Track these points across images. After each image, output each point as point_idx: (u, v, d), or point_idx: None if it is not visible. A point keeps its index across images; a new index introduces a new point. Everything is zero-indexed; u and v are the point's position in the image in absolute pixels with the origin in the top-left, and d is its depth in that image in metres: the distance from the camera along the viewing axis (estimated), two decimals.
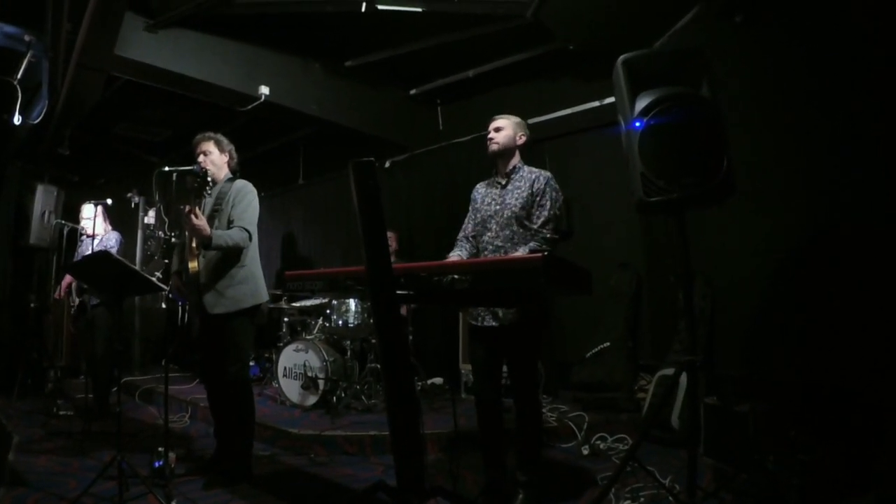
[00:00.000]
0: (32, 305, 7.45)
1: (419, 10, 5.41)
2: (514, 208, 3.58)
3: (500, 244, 3.60)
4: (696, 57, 3.17)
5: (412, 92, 7.68)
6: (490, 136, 3.75)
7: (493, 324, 3.54)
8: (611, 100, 5.20)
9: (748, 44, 4.55)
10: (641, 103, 3.09)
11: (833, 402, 3.48)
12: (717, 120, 3.01)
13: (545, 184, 3.58)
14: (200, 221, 3.86)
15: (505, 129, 3.73)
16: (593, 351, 5.81)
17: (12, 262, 8.06)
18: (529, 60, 6.49)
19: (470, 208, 3.91)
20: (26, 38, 5.66)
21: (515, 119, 3.80)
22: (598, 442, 4.82)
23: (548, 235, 3.49)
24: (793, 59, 4.21)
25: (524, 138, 3.76)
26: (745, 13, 4.48)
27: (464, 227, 3.90)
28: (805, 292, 4.04)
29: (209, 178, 4.21)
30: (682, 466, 3.14)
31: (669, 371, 4.87)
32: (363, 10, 5.32)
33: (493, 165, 3.84)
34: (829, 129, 3.91)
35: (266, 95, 6.38)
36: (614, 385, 5.49)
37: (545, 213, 3.52)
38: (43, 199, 7.51)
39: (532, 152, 3.95)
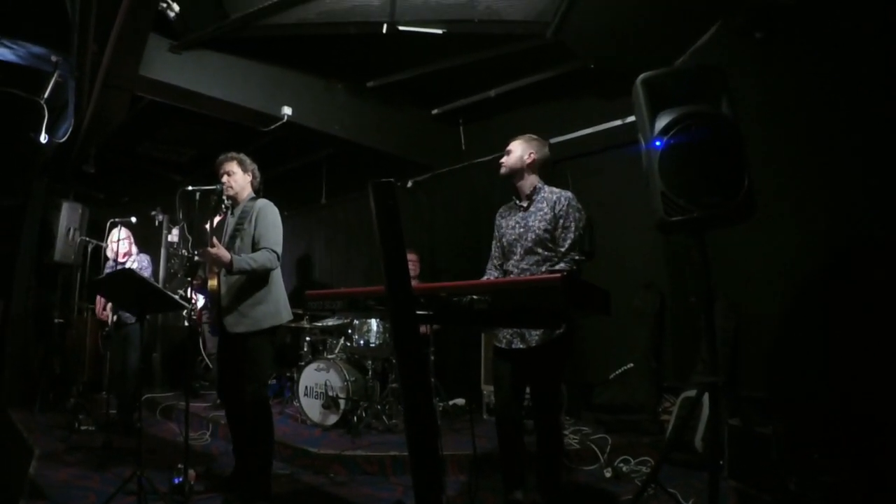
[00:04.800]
0: (56, 321, 7.51)
1: (440, 31, 5.44)
2: (537, 231, 3.57)
3: (525, 267, 3.59)
4: (716, 75, 3.14)
5: (434, 112, 7.71)
6: (501, 160, 3.78)
7: (521, 346, 3.53)
8: (633, 118, 5.19)
9: (769, 60, 4.55)
10: (661, 122, 3.08)
11: (857, 424, 3.43)
12: (737, 138, 2.99)
13: (567, 205, 3.56)
14: (217, 251, 3.91)
15: (513, 152, 3.77)
16: (616, 372, 5.77)
17: (37, 277, 8.15)
18: (551, 79, 6.46)
19: (495, 234, 3.90)
20: (53, 58, 5.74)
21: (526, 138, 3.81)
22: (621, 465, 4.76)
23: (576, 257, 3.48)
24: (813, 75, 4.20)
25: (533, 156, 3.74)
26: (766, 30, 4.48)
27: (491, 255, 3.90)
28: (829, 313, 4.00)
29: (224, 196, 4.25)
30: (705, 489, 3.09)
31: (692, 393, 4.82)
32: (385, 31, 5.36)
33: (513, 189, 3.84)
34: (851, 145, 3.88)
35: (289, 116, 6.43)
36: (637, 407, 5.43)
37: (570, 234, 3.51)
38: (68, 216, 7.60)
39: (554, 172, 3.94)
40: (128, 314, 6.05)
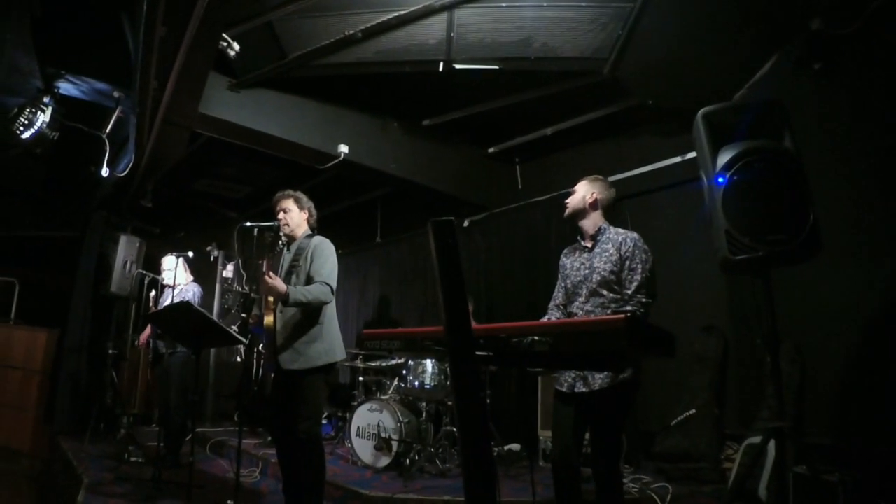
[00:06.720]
0: (110, 352, 7.62)
1: (496, 67, 5.44)
2: (602, 272, 3.49)
3: (590, 309, 3.49)
4: (777, 109, 3.09)
5: (490, 150, 7.68)
6: (566, 200, 3.75)
7: (583, 389, 3.43)
8: (692, 155, 5.11)
9: (829, 91, 4.50)
10: (723, 158, 3.02)
11: None
12: (800, 173, 2.92)
13: (633, 246, 3.47)
14: (274, 281, 3.92)
15: (576, 192, 3.72)
16: (678, 419, 5.58)
17: (92, 309, 8.32)
18: (608, 117, 6.41)
19: (559, 275, 3.83)
20: (115, 94, 5.94)
21: (591, 179, 3.76)
22: None
23: (644, 300, 3.38)
24: (875, 104, 4.10)
25: (595, 195, 3.67)
26: (824, 61, 4.42)
27: (554, 294, 3.82)
28: None
29: (280, 234, 4.27)
30: None
31: (757, 439, 4.64)
32: (441, 69, 5.40)
33: (576, 230, 3.78)
34: None
35: (345, 154, 6.48)
36: (699, 455, 5.25)
37: (637, 276, 3.41)
38: (125, 250, 7.74)
39: (612, 211, 3.87)
40: (160, 343, 6.10)
